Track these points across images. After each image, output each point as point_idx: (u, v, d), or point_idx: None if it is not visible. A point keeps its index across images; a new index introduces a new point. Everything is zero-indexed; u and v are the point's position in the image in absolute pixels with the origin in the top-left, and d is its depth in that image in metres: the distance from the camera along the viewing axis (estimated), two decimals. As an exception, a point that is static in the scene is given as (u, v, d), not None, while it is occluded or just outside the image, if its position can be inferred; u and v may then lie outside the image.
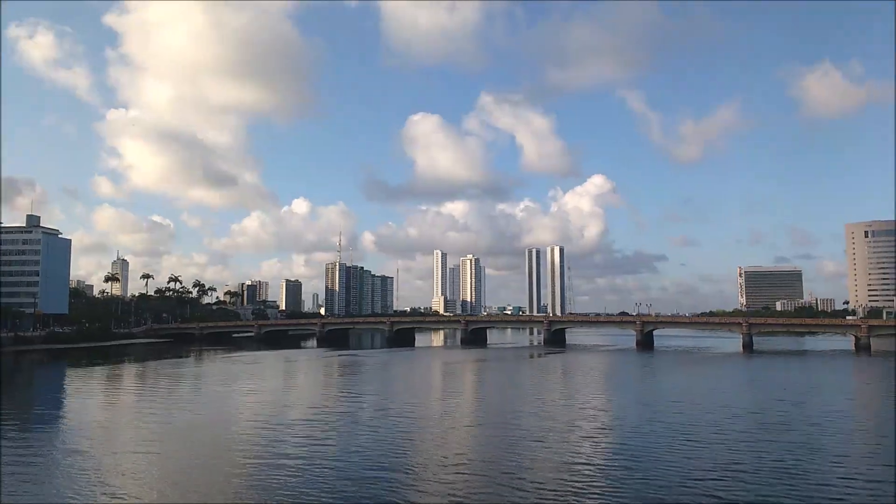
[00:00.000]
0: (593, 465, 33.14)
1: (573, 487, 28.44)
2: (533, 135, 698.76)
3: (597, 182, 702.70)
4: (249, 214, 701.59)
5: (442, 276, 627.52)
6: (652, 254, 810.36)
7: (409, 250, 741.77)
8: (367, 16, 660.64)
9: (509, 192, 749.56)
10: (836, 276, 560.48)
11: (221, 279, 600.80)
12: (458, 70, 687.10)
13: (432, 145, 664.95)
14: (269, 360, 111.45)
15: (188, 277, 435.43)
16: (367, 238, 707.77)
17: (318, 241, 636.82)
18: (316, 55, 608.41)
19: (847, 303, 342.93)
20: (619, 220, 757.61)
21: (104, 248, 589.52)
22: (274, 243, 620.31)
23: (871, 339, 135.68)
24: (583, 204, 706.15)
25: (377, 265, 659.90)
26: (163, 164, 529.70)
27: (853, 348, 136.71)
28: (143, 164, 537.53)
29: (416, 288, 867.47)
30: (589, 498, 27.01)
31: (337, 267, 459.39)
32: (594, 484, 29.19)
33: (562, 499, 26.71)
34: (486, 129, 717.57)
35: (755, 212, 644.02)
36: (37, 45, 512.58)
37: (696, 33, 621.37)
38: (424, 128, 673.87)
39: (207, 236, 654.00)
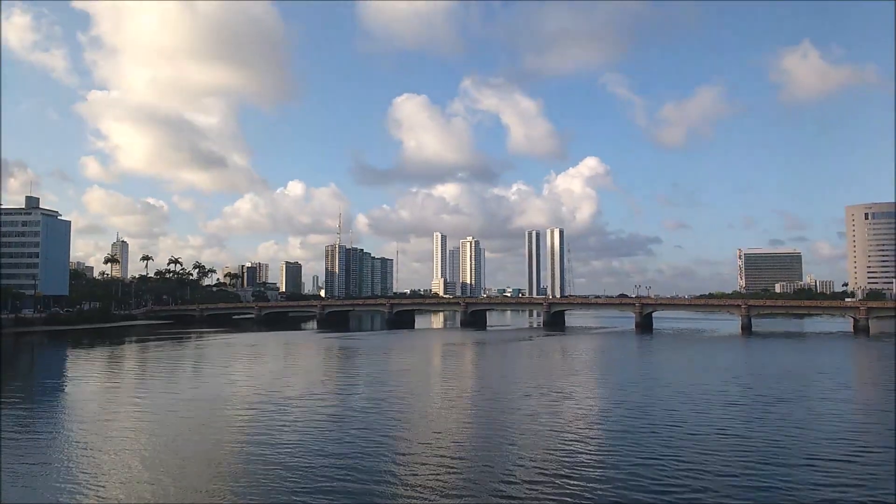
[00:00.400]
0: (586, 449, 33.32)
1: (569, 472, 28.63)
2: (520, 117, 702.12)
3: (590, 164, 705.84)
4: (242, 197, 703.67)
5: (442, 259, 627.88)
6: (647, 236, 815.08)
7: (403, 233, 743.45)
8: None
9: (498, 176, 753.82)
10: (831, 258, 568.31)
11: (218, 261, 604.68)
12: (435, 55, 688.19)
13: (420, 127, 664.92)
14: (269, 342, 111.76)
15: (185, 259, 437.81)
16: (361, 220, 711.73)
17: (312, 224, 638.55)
18: (293, 38, 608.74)
19: (846, 285, 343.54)
20: (611, 203, 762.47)
21: (98, 230, 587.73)
22: (268, 226, 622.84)
23: (869, 321, 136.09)
24: (575, 186, 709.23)
25: (372, 248, 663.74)
26: (149, 145, 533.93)
27: (852, 330, 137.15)
28: (130, 145, 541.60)
29: (413, 270, 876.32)
30: (582, 480, 27.19)
31: (336, 249, 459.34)
32: (585, 467, 29.40)
33: (559, 480, 26.89)
34: (472, 113, 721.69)
35: (745, 196, 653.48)
36: (13, 27, 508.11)
37: (672, 16, 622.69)
38: (411, 109, 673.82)
39: (200, 219, 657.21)
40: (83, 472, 27.82)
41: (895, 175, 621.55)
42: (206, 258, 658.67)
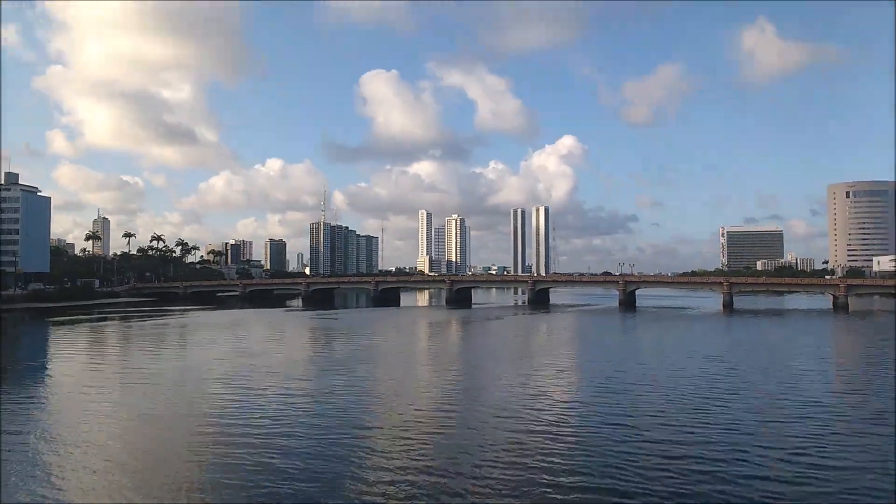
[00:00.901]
0: (563, 433, 33.65)
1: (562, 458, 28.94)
2: (487, 95, 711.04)
3: (566, 143, 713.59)
4: (217, 174, 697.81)
5: (427, 236, 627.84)
6: (625, 214, 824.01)
7: (381, 210, 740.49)
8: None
9: (469, 152, 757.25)
10: (806, 237, 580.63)
11: (199, 238, 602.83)
12: (393, 32, 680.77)
13: (389, 103, 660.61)
14: (253, 319, 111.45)
15: (165, 236, 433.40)
16: (338, 198, 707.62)
17: (288, 201, 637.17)
18: (248, 13, 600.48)
19: (826, 263, 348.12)
20: (586, 181, 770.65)
21: (74, 207, 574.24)
22: (244, 203, 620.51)
23: (849, 298, 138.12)
24: (550, 164, 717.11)
25: (351, 225, 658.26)
26: (115, 119, 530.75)
27: (832, 307, 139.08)
28: (94, 120, 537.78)
29: (395, 248, 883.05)
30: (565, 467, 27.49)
31: (322, 226, 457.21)
32: (558, 454, 29.74)
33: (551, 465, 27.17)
34: (439, 90, 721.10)
35: (714, 174, 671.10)
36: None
37: None
38: (380, 85, 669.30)
39: (175, 195, 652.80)
40: (61, 464, 27.74)
41: (894, 156, 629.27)
42: (186, 235, 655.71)
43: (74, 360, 59.43)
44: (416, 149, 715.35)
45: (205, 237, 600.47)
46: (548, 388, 43.67)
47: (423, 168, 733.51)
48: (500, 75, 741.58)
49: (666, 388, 42.79)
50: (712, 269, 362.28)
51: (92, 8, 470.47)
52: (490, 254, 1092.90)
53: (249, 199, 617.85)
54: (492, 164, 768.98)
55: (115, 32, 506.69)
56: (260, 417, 33.94)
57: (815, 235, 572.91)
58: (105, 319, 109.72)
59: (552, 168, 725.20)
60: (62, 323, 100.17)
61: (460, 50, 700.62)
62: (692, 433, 30.48)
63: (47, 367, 57.11)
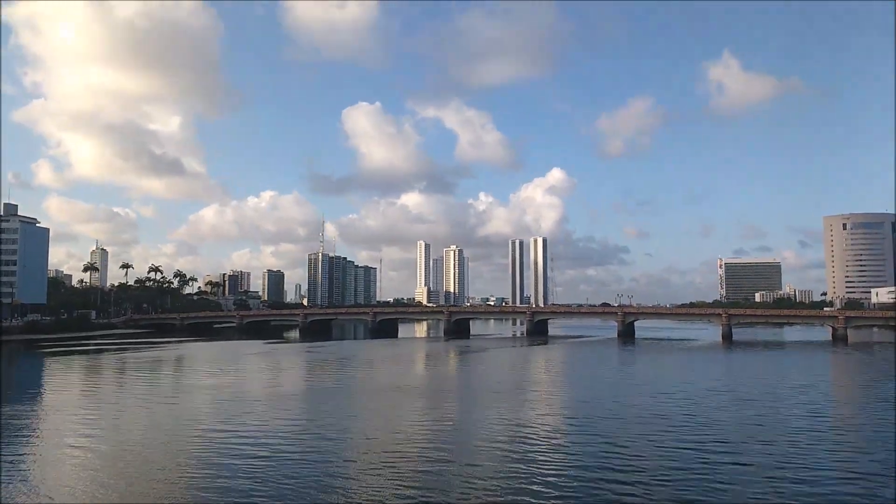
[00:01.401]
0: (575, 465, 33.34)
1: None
2: (465, 127, 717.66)
3: (555, 175, 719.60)
4: (208, 205, 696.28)
5: (425, 267, 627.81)
6: (616, 245, 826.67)
7: (373, 241, 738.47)
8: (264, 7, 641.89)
9: (456, 185, 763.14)
10: (797, 268, 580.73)
11: (194, 269, 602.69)
12: (364, 68, 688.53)
13: (372, 136, 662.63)
14: (247, 351, 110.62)
15: (161, 267, 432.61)
16: (329, 229, 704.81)
17: (280, 233, 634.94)
18: (224, 49, 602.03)
19: (825, 294, 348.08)
20: (573, 212, 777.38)
21: (68, 238, 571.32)
22: (236, 234, 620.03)
23: (848, 330, 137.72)
24: (538, 196, 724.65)
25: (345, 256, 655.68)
26: (100, 153, 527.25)
27: (831, 339, 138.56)
28: (80, 153, 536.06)
29: (389, 279, 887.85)
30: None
31: (319, 257, 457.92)
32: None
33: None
34: (420, 123, 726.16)
35: (696, 206, 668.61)
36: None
37: (594, 32, 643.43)
38: (364, 118, 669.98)
39: (166, 227, 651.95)
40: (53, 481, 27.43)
41: (892, 188, 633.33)
42: (182, 266, 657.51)
43: (66, 391, 58.99)
44: (401, 181, 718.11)
45: (200, 268, 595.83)
46: (549, 420, 43.22)
47: (411, 199, 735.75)
48: (476, 108, 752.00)
49: (670, 420, 42.44)
50: (709, 301, 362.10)
51: (64, 42, 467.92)
52: (485, 284, 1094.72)
53: (241, 231, 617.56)
54: (481, 195, 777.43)
55: (90, 66, 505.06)
56: (240, 447, 33.53)
57: (806, 267, 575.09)
58: (100, 351, 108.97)
59: (539, 199, 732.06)
60: (57, 354, 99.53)
61: (432, 84, 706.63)
62: (695, 469, 30.05)
63: (39, 396, 56.51)
